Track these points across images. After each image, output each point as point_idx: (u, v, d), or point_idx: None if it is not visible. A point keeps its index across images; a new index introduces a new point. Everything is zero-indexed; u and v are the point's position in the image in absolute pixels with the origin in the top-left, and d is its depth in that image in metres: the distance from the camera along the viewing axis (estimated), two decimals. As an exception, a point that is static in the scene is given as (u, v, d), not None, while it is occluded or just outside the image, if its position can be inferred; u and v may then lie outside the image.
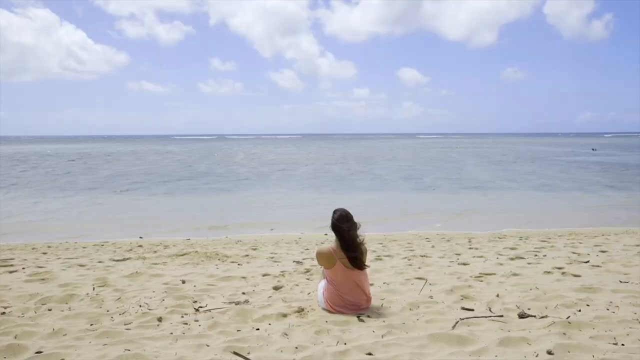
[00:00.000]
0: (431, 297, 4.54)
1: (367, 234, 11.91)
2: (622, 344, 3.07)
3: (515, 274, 5.67)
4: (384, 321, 3.75)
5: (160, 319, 3.88)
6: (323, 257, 4.12)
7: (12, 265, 6.80)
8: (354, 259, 4.04)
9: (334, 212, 4.23)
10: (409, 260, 7.16)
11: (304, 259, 7.34)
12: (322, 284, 4.28)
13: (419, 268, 6.29)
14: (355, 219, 4.18)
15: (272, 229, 12.75)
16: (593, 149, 59.24)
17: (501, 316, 3.80)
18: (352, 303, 4.08)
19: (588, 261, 6.49)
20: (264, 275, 5.89)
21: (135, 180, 25.29)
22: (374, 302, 4.37)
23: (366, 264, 4.22)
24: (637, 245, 8.27)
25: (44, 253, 8.75)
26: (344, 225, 4.05)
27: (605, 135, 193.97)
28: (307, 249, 8.80)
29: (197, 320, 3.87)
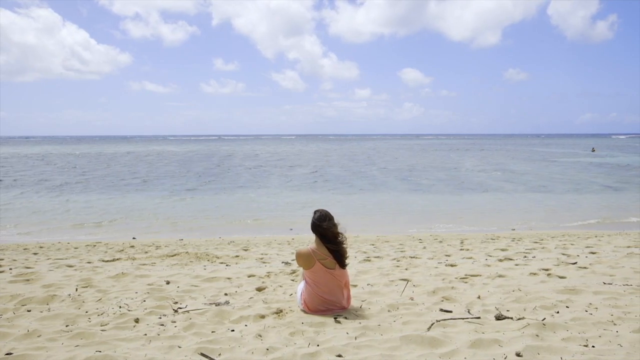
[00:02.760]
0: (412, 298, 4.53)
1: (360, 235, 11.85)
2: (593, 346, 3.05)
3: (500, 276, 5.66)
4: (360, 323, 3.74)
5: (137, 320, 3.88)
6: (302, 258, 4.12)
7: (0, 266, 6.80)
8: (337, 252, 4.04)
9: (315, 212, 4.24)
10: (398, 261, 7.14)
11: (292, 260, 7.33)
12: (301, 285, 4.28)
13: (406, 269, 6.27)
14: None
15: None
16: (593, 150, 59.18)
17: (478, 318, 3.79)
18: (330, 304, 4.08)
19: (576, 262, 6.47)
20: (249, 276, 5.89)
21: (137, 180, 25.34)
22: (354, 303, 4.37)
23: (346, 264, 4.21)
24: (628, 247, 8.25)
25: (35, 253, 8.75)
26: (324, 224, 4.07)
27: (620, 137, 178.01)
28: (299, 250, 8.80)
29: (174, 322, 3.86)
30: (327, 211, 4.19)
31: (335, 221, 4.18)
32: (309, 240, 10.62)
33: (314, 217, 4.17)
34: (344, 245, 4.14)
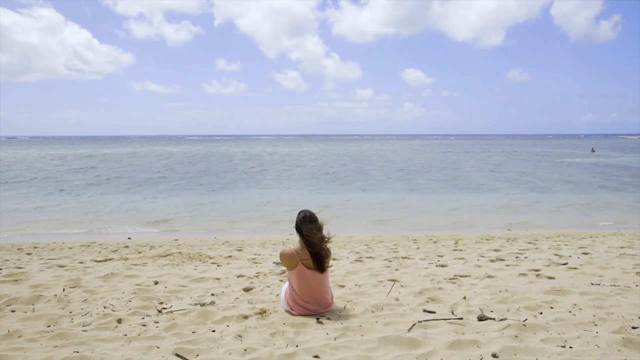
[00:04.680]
0: (397, 299, 4.52)
1: (355, 235, 11.81)
2: (570, 347, 3.04)
3: (489, 276, 5.65)
4: (342, 323, 3.73)
5: (119, 321, 3.88)
6: (285, 258, 4.12)
7: (-9, 266, 6.80)
8: (316, 254, 4.03)
9: (299, 213, 4.24)
10: (389, 261, 7.13)
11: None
12: (285, 285, 4.28)
13: (396, 270, 6.26)
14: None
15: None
16: (592, 150, 59.13)
17: (460, 319, 3.78)
18: (313, 304, 4.07)
19: (566, 263, 6.46)
20: (238, 276, 5.88)
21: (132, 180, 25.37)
22: (339, 303, 4.36)
23: (329, 265, 4.21)
24: (622, 247, 8.23)
25: (28, 254, 8.76)
26: (305, 226, 4.06)
27: (633, 137, 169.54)
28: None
29: (157, 322, 3.85)
30: (311, 212, 4.18)
31: (320, 222, 4.17)
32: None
33: (297, 218, 4.17)
34: (325, 248, 4.12)
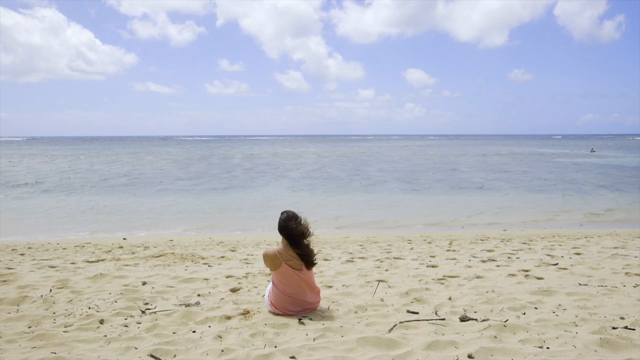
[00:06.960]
0: (382, 299, 4.51)
1: (351, 235, 11.77)
2: (547, 347, 3.03)
3: (478, 277, 5.63)
4: (323, 324, 3.72)
5: (101, 321, 3.87)
6: (268, 259, 4.12)
7: (-18, 267, 6.80)
8: (303, 252, 4.04)
9: (282, 213, 4.24)
10: (381, 262, 7.12)
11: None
12: (269, 286, 4.28)
13: (386, 270, 6.25)
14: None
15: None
16: (592, 150, 59.07)
17: (443, 319, 3.77)
18: (297, 304, 4.07)
19: (557, 264, 6.45)
20: (227, 277, 5.88)
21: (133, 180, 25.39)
22: (323, 304, 4.35)
23: (315, 263, 4.21)
24: (615, 248, 8.21)
25: (22, 254, 8.76)
26: (289, 225, 4.06)
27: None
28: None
29: (139, 323, 3.85)
30: (293, 212, 4.19)
31: (303, 222, 4.17)
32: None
33: (280, 218, 4.17)
34: (311, 247, 4.13)
